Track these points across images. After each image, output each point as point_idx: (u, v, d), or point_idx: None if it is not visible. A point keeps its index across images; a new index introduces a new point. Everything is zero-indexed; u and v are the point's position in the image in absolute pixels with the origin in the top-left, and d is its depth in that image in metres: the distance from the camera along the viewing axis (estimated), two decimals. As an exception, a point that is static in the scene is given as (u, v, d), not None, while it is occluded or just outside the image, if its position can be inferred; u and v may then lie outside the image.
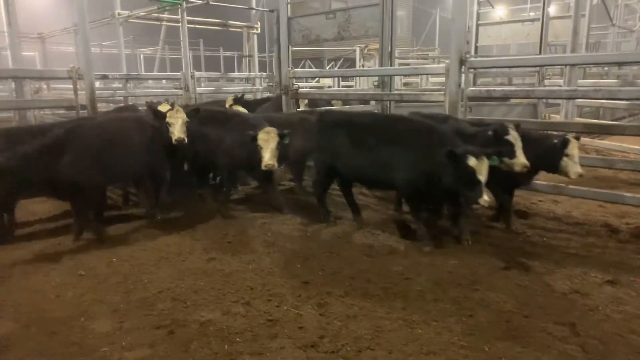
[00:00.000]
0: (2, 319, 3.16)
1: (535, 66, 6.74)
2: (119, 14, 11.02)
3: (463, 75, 5.54)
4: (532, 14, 17.60)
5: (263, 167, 4.64)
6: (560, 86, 8.57)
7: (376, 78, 9.44)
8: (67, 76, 5.53)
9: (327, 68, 18.09)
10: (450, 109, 5.63)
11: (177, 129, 4.85)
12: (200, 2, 9.88)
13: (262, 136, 4.67)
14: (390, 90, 8.65)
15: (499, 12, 17.39)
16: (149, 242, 4.46)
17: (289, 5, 11.10)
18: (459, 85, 5.56)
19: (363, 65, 15.27)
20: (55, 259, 4.14)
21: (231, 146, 5.11)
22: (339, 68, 18.18)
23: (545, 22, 8.81)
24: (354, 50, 15.65)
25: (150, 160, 4.92)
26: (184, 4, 9.34)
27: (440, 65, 5.71)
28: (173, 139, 4.82)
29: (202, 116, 5.20)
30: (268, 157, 4.61)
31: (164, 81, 19.88)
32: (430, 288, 3.47)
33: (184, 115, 4.92)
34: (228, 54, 23.40)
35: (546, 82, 9.17)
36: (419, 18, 26.97)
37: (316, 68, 17.73)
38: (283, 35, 7.72)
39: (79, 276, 3.78)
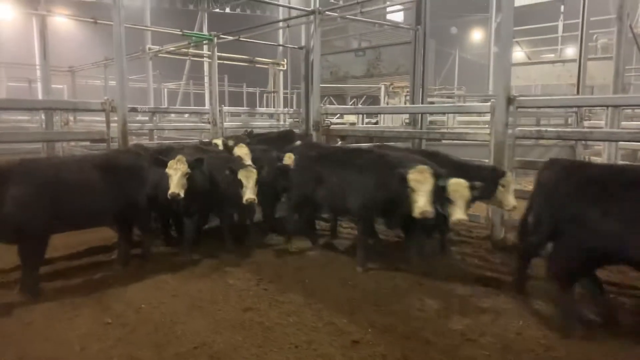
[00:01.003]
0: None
1: (590, 106, 6.46)
2: (149, 49, 11.14)
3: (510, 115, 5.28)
4: (551, 55, 17.58)
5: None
6: (601, 127, 8.26)
7: (407, 116, 9.26)
8: (101, 108, 5.41)
9: (350, 105, 18.06)
10: (496, 149, 5.34)
11: (174, 183, 4.40)
12: (232, 38, 9.90)
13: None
14: (421, 128, 8.44)
15: (521, 53, 17.31)
16: (181, 287, 4.14)
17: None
18: (506, 124, 5.29)
19: (388, 103, 15.18)
20: (80, 302, 3.84)
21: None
22: (362, 105, 18.12)
23: (583, 62, 8.58)
24: (379, 88, 15.61)
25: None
26: (215, 40, 9.37)
27: (486, 104, 5.48)
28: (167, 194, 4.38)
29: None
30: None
31: (186, 115, 20.15)
32: (499, 353, 3.06)
33: (185, 167, 4.48)
34: (251, 89, 23.70)
35: (585, 123, 8.86)
36: (438, 58, 27.21)
37: (338, 105, 17.69)
38: (316, 71, 7.58)
39: (106, 325, 3.46)
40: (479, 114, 15.51)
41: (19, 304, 3.75)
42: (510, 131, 5.27)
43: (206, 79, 22.19)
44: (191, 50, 11.81)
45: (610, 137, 4.57)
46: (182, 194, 4.39)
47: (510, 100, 5.22)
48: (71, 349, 3.12)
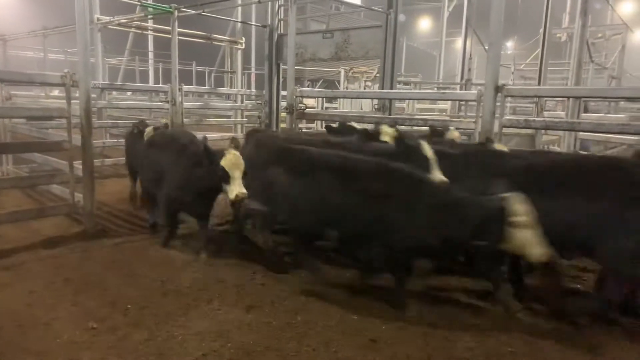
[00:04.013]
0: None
1: (579, 97, 6.62)
2: (98, 19, 10.18)
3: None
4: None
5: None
6: (561, 118, 8.57)
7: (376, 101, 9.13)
8: (61, 82, 4.77)
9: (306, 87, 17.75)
10: (482, 137, 5.32)
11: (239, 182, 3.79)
12: (194, 12, 9.25)
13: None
14: (390, 114, 8.36)
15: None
16: (168, 283, 3.76)
17: (281, 23, 10.74)
18: (494, 113, 5.28)
19: (347, 88, 15.03)
20: (53, 303, 3.37)
21: None
22: (318, 88, 17.86)
23: (545, 56, 8.84)
24: (338, 73, 15.42)
25: None
26: (176, 13, 8.70)
27: (471, 91, 5.46)
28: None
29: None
30: None
31: (128, 93, 18.89)
32: (521, 348, 3.01)
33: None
34: (200, 68, 22.72)
35: (545, 113, 9.16)
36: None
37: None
38: (290, 52, 7.23)
39: (92, 330, 3.04)
40: (432, 101, 15.89)
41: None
42: (497, 120, 5.27)
43: (150, 55, 21.07)
44: (143, 24, 10.93)
45: (597, 129, 4.69)
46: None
47: (498, 89, 5.20)
48: (57, 362, 2.70)
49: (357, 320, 3.32)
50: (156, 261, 4.22)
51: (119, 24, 10.50)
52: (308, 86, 18.61)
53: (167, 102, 8.65)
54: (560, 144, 8.96)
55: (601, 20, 17.70)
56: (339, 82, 15.65)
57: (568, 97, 7.01)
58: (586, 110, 10.69)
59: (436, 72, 21.22)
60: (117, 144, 8.56)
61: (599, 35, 14.71)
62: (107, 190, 6.64)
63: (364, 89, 14.85)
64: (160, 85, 12.02)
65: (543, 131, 9.03)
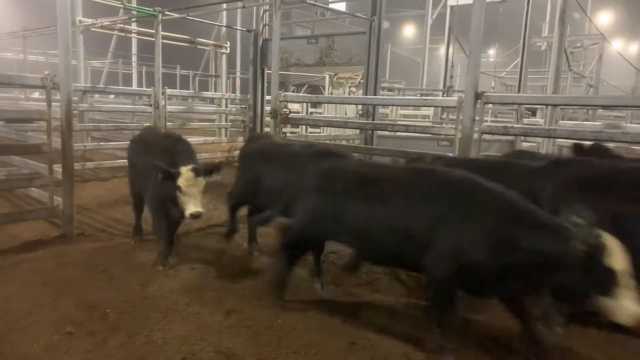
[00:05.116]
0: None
1: (556, 105, 6.76)
2: (80, 21, 10.08)
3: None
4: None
5: None
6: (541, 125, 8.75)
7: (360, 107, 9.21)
8: (41, 84, 4.72)
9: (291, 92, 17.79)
10: (462, 143, 5.42)
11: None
12: (178, 16, 9.23)
13: None
14: (373, 119, 8.45)
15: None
16: (148, 287, 3.73)
17: (266, 28, 10.78)
18: (474, 119, 5.38)
19: (332, 93, 15.11)
20: (30, 309, 3.32)
21: None
22: (303, 93, 17.91)
23: (525, 63, 9.05)
24: (323, 78, 15.50)
25: None
26: (160, 17, 8.68)
27: (452, 98, 5.56)
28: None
29: None
30: None
31: (111, 96, 18.68)
32: None
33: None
34: (184, 72, 22.64)
35: (524, 120, 9.35)
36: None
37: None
38: (275, 57, 7.26)
39: (69, 335, 3.01)
40: (416, 107, 16.07)
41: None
42: (477, 127, 5.37)
43: (134, 58, 20.88)
44: (127, 26, 10.85)
45: (573, 136, 4.81)
46: None
47: (478, 96, 5.30)
48: (33, 367, 2.67)
49: (338, 323, 3.34)
50: (136, 265, 4.19)
51: (102, 27, 10.42)
52: (293, 91, 18.66)
53: (150, 105, 8.61)
54: (540, 150, 9.15)
55: (580, 30, 18.15)
56: (323, 87, 15.75)
57: (546, 105, 7.15)
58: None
59: (420, 78, 21.51)
60: (98, 148, 8.49)
61: (578, 44, 15.08)
62: (87, 194, 6.57)
63: (349, 94, 14.96)
64: (144, 88, 11.93)
65: (522, 138, 9.23)
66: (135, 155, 4.69)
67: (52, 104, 4.87)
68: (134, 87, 18.94)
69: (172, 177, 3.76)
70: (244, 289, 3.83)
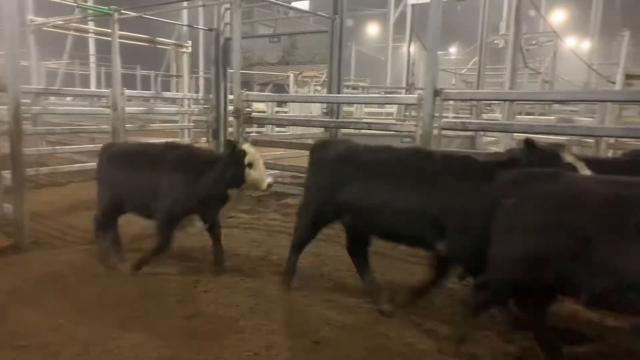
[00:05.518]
0: None
1: (513, 101, 6.94)
2: (31, 20, 9.68)
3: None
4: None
5: None
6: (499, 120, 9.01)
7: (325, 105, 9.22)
8: (-14, 88, 4.51)
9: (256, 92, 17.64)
10: (422, 139, 5.51)
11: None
12: (134, 14, 8.98)
13: None
14: (337, 117, 8.48)
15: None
16: (105, 296, 3.62)
17: (227, 26, 10.64)
18: (433, 116, 5.47)
19: (297, 92, 15.09)
20: (-24, 322, 3.17)
21: None
22: (268, 93, 17.81)
23: (482, 60, 9.28)
24: (287, 76, 15.47)
25: None
26: (116, 15, 8.42)
27: (412, 95, 5.65)
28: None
29: None
30: None
31: (68, 98, 18.05)
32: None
33: None
34: (145, 72, 22.12)
35: (484, 116, 9.61)
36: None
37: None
38: (236, 56, 7.18)
39: (21, 348, 2.88)
40: (380, 105, 16.25)
41: None
42: (436, 123, 5.46)
43: (92, 58, 20.24)
44: (83, 26, 10.48)
45: (528, 130, 4.96)
46: None
47: (437, 93, 5.40)
48: (-21, 384, 2.55)
49: (302, 322, 3.34)
50: (93, 273, 4.05)
51: (56, 26, 10.04)
52: (258, 90, 18.52)
53: (108, 107, 8.37)
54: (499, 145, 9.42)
55: (535, 28, 18.76)
56: (288, 86, 15.71)
57: (502, 100, 7.36)
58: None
59: (385, 76, 21.76)
60: (53, 152, 8.18)
61: (533, 42, 15.57)
62: (42, 200, 6.31)
63: (314, 93, 14.97)
64: (102, 89, 11.57)
65: (482, 133, 9.48)
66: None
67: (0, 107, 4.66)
68: (93, 88, 18.37)
69: (240, 157, 3.82)
70: (206, 292, 3.78)
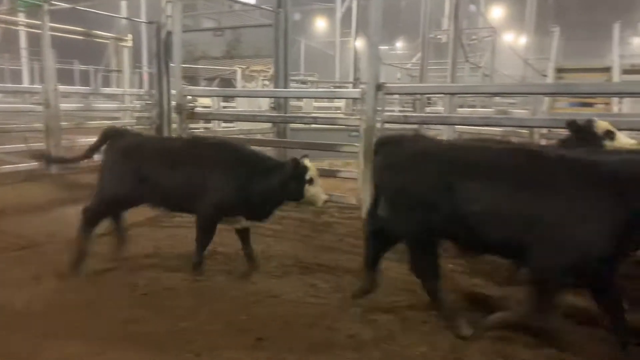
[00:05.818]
0: None
1: (452, 94, 7.13)
2: (-50, 11, 8.98)
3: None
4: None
5: None
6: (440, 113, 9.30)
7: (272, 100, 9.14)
8: None
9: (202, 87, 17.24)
10: (365, 133, 5.59)
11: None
12: (67, 6, 8.53)
13: None
14: (285, 112, 8.44)
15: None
16: (37, 303, 3.41)
17: (168, 19, 10.30)
18: (375, 110, 5.57)
19: (244, 86, 14.89)
20: None
21: None
22: (215, 88, 17.46)
23: (424, 56, 9.53)
24: (234, 71, 15.22)
25: None
26: (46, 6, 7.96)
27: (356, 90, 5.71)
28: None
29: None
30: None
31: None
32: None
33: None
34: (83, 67, 21.09)
35: (427, 109, 9.88)
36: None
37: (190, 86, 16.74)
38: (177, 50, 6.99)
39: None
40: (330, 100, 16.35)
41: None
42: (379, 116, 5.56)
43: (24, 53, 19.03)
44: (13, 18, 9.81)
45: (465, 122, 5.15)
46: None
47: (379, 87, 5.49)
48: None
49: (246, 320, 3.31)
50: (22, 282, 3.80)
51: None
52: (205, 85, 18.10)
53: (40, 104, 7.93)
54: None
55: (476, 23, 19.48)
56: (236, 80, 15.46)
57: (443, 94, 7.59)
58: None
59: (334, 71, 21.87)
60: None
61: (474, 37, 16.15)
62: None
63: (262, 87, 14.83)
64: (34, 85, 10.91)
65: (425, 126, 9.75)
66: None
67: None
68: (25, 84, 17.28)
69: (302, 172, 3.84)
70: (146, 294, 3.66)
